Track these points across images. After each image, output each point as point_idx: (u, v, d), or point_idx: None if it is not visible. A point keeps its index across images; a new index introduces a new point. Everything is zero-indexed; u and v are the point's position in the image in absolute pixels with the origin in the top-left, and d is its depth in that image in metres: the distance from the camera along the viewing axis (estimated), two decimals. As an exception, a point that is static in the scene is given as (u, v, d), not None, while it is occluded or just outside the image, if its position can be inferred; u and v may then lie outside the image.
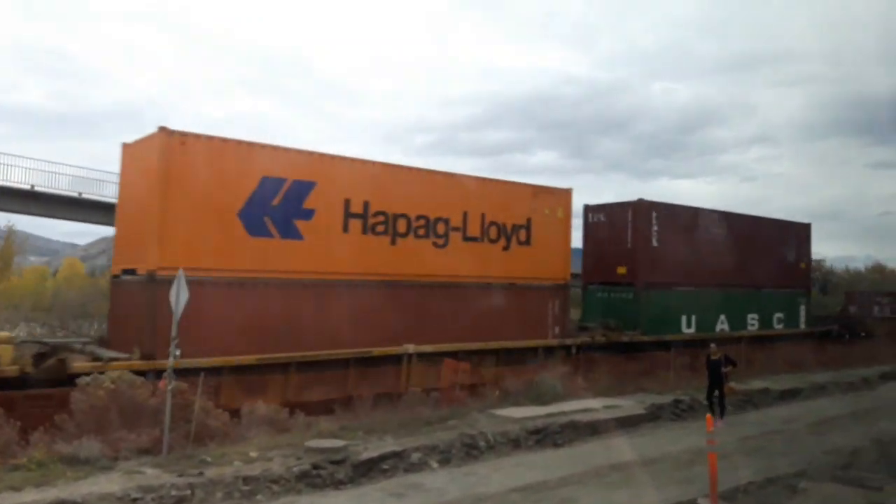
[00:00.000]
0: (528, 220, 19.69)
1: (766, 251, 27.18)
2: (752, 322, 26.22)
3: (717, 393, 15.16)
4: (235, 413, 12.29)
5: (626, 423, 14.32)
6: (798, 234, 29.66)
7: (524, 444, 12.36)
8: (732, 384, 16.01)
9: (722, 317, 25.06)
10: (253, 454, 10.48)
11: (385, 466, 10.53)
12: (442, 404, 14.47)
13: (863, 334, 31.40)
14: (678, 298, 23.53)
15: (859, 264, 67.12)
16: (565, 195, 20.93)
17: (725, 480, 10.05)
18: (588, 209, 24.20)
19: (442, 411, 13.61)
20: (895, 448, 12.87)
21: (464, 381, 14.92)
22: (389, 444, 11.21)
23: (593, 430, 13.60)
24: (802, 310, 29.09)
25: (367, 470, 10.40)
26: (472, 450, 11.71)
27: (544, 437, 12.74)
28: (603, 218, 23.64)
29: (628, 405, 15.47)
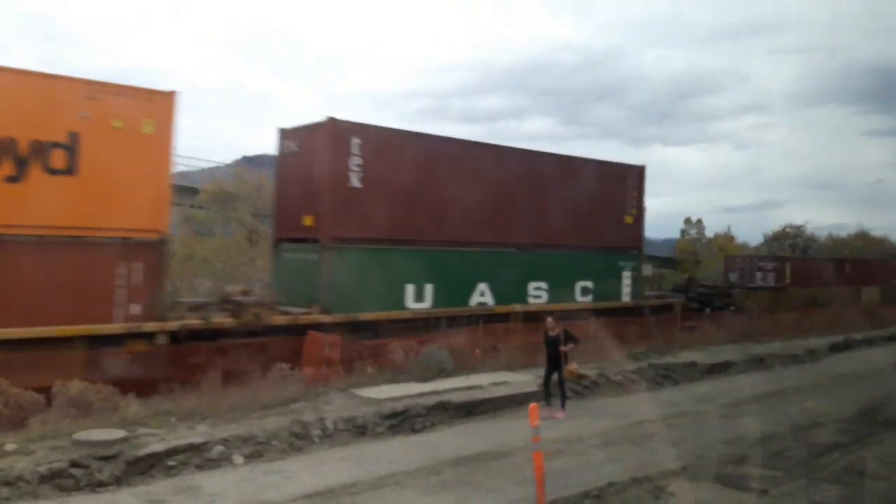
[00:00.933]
0: (74, 136, 11.97)
1: (569, 200, 19.77)
2: (537, 293, 19.00)
3: (556, 376, 12.49)
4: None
5: (514, 402, 12.50)
6: (623, 179, 21.57)
7: (373, 431, 10.45)
8: (574, 366, 12.99)
9: (483, 286, 17.80)
10: (10, 447, 8.53)
11: (172, 463, 8.58)
12: (309, 383, 12.55)
13: (731, 307, 27.30)
14: (397, 261, 16.28)
15: (851, 232, 66.15)
16: (159, 100, 12.94)
17: (579, 481, 8.21)
18: (282, 135, 16.72)
19: (295, 393, 11.69)
20: (813, 434, 11.11)
21: (332, 357, 12.96)
22: (193, 435, 9.27)
23: (468, 411, 11.74)
24: (627, 277, 21.48)
25: (149, 467, 8.45)
26: (299, 440, 9.79)
27: (402, 421, 10.83)
28: (295, 147, 16.48)
29: (523, 380, 13.63)
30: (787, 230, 71.79)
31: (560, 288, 19.30)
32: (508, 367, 14.81)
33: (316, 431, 10.06)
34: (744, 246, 69.93)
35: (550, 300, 18.97)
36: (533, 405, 7.40)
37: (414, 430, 10.74)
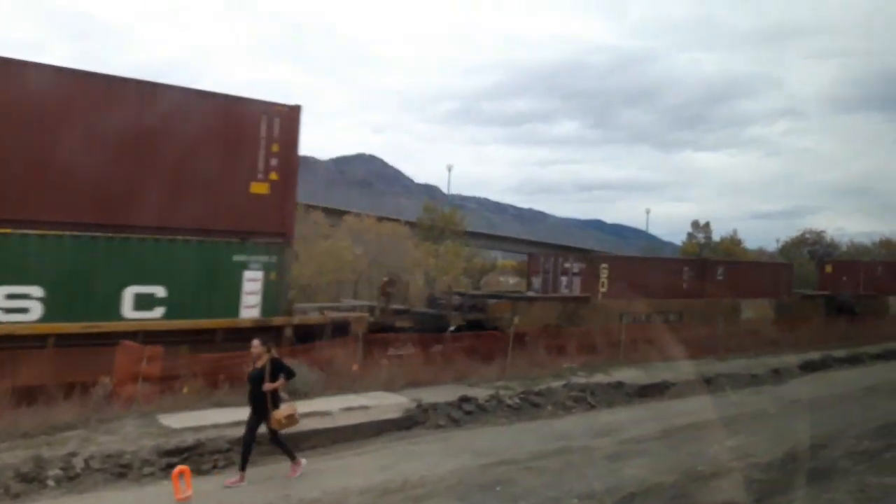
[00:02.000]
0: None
1: (144, 153, 12.64)
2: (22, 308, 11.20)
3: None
4: None
5: (371, 431, 10.32)
6: (253, 125, 13.66)
7: (138, 472, 8.30)
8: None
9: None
10: None
11: None
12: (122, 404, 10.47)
13: (494, 327, 17.53)
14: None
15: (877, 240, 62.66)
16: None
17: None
18: None
19: (75, 417, 9.62)
20: (708, 488, 8.73)
21: (151, 373, 10.85)
22: None
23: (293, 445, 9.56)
24: (253, 281, 13.34)
25: None
26: (24, 483, 7.70)
27: (186, 459, 8.67)
28: None
29: (397, 403, 11.39)
30: (807, 236, 68.50)
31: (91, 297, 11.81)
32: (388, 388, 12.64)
33: (54, 472, 7.95)
34: (760, 252, 66.82)
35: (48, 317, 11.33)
36: (178, 469, 5.18)
37: (199, 472, 8.58)
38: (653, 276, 23.68)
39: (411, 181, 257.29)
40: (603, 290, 21.68)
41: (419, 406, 11.33)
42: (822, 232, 66.69)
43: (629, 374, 15.54)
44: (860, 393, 15.53)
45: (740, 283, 25.36)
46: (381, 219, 33.91)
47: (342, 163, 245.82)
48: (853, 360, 20.08)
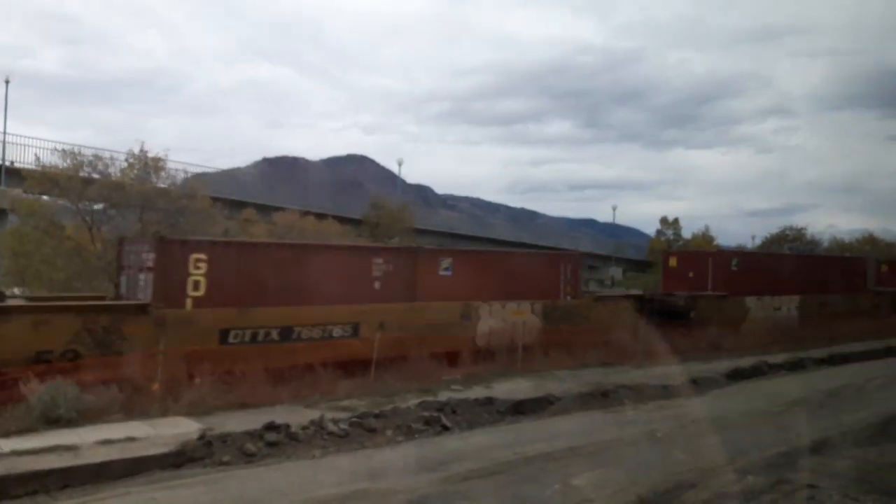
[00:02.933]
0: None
1: None
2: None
3: None
4: None
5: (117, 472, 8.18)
6: None
7: None
8: None
9: None
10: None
11: None
12: None
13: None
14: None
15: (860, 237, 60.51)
16: None
17: None
18: None
19: None
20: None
21: None
22: None
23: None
24: None
25: None
26: None
27: None
28: None
29: (172, 435, 9.25)
30: (787, 232, 66.19)
31: None
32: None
33: None
34: (742, 249, 64.62)
35: None
36: None
37: None
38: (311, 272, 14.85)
39: (403, 181, 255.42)
40: (197, 293, 13.48)
41: (202, 438, 9.19)
42: (802, 229, 64.63)
43: (513, 387, 13.43)
44: (781, 408, 13.37)
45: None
46: (306, 213, 32.00)
47: (333, 164, 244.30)
48: (794, 366, 17.95)
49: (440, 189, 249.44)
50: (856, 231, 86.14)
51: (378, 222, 35.65)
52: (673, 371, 16.12)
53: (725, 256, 26.63)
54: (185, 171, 31.25)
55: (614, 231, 77.81)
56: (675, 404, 13.49)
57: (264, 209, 33.89)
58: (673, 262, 27.15)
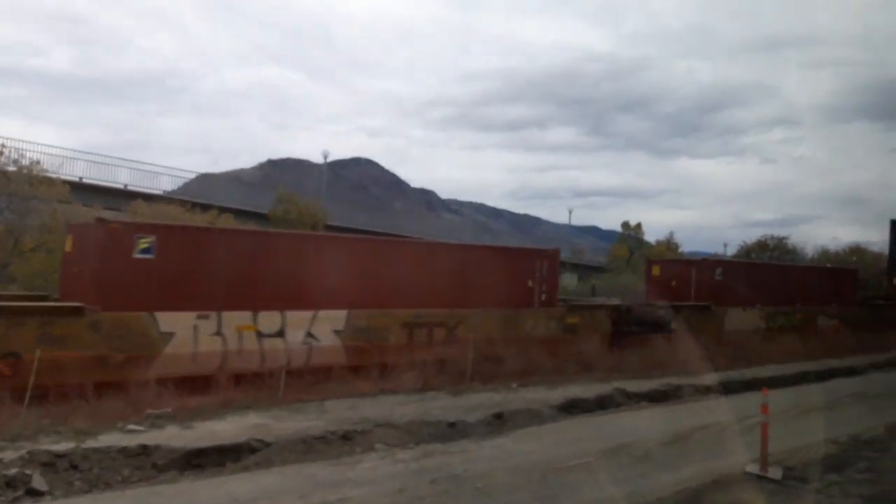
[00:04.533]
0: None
1: None
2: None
3: None
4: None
5: None
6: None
7: None
8: None
9: None
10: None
11: None
12: None
13: None
14: None
15: (875, 249, 57.14)
16: None
17: None
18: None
19: None
20: None
21: None
22: None
23: None
24: None
25: None
26: None
27: None
28: None
29: None
30: (768, 241, 62.47)
31: None
32: None
33: None
34: (719, 257, 60.81)
35: None
36: None
37: None
38: None
39: (408, 185, 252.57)
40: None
41: None
42: (783, 238, 60.92)
43: (219, 428, 10.02)
44: (596, 456, 9.91)
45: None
46: (194, 205, 28.84)
47: (338, 167, 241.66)
48: (661, 397, 14.45)
49: (444, 194, 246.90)
50: (860, 243, 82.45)
51: (285, 217, 32.44)
52: (494, 400, 12.77)
53: (709, 266, 24.51)
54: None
55: (615, 239, 74.02)
56: (448, 450, 10.08)
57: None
58: (656, 270, 25.60)
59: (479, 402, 12.60)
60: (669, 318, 20.50)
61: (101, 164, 35.25)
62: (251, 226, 31.08)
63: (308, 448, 9.49)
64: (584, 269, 53.44)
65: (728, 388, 15.64)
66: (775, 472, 9.28)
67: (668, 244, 51.10)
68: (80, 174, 33.75)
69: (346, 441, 9.85)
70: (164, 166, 38.34)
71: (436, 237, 43.47)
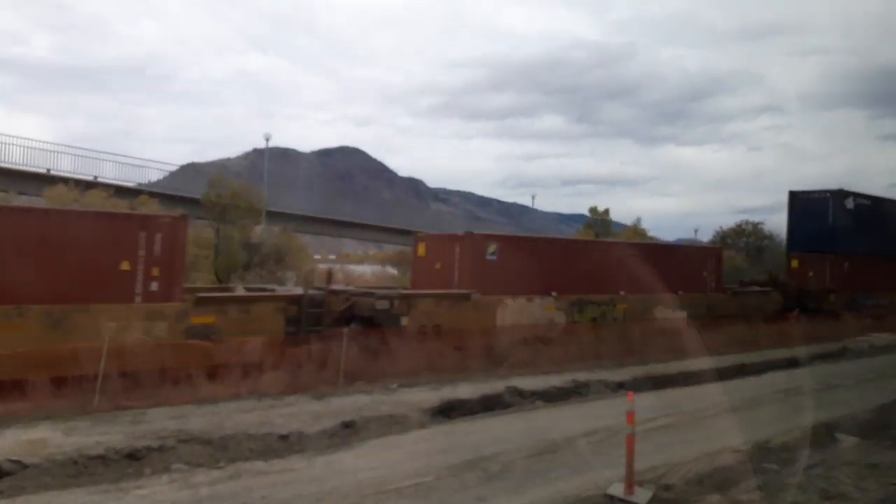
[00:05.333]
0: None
1: None
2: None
3: None
4: None
5: None
6: None
7: None
8: None
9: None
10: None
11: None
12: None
13: None
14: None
15: None
16: None
17: None
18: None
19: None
20: None
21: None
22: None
23: None
24: None
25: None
26: None
27: None
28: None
29: None
30: (744, 227, 61.08)
31: None
32: None
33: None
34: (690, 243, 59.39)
35: None
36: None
37: None
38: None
39: (395, 174, 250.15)
40: None
41: None
42: (759, 223, 59.54)
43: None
44: (440, 473, 8.28)
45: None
46: (119, 189, 27.15)
47: (325, 155, 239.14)
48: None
49: (433, 183, 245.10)
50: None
51: (217, 202, 30.61)
52: (359, 403, 11.14)
53: (479, 243, 18.54)
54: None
55: (603, 226, 72.58)
56: (266, 469, 8.45)
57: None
58: (422, 249, 19.61)
59: (340, 406, 10.98)
60: (396, 313, 15.64)
61: (84, 157, 33.61)
62: (179, 210, 29.33)
63: (79, 471, 7.83)
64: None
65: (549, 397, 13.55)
66: (642, 496, 7.71)
67: (636, 229, 49.60)
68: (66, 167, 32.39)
69: (133, 461, 8.20)
70: (138, 158, 36.17)
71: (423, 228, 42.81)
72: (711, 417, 11.96)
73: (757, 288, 27.18)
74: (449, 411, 11.15)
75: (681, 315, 20.89)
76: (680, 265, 23.05)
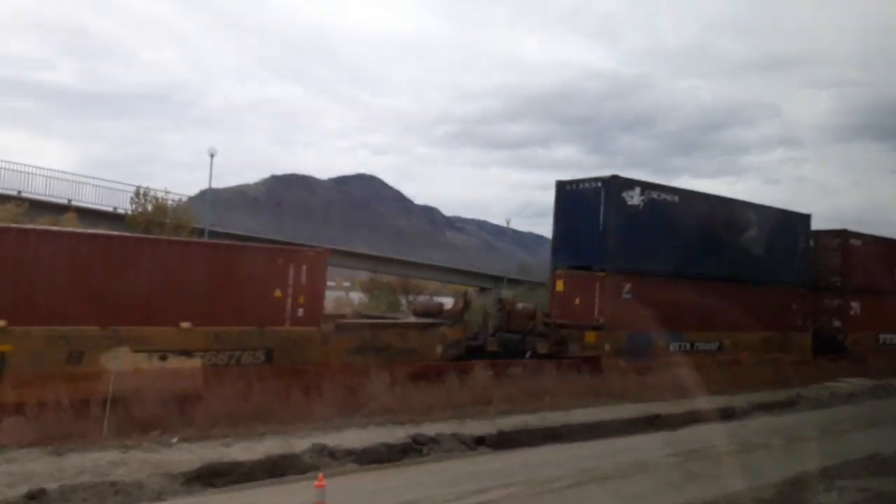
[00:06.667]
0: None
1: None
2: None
3: None
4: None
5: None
6: None
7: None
8: None
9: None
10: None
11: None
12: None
13: None
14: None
15: None
16: None
17: None
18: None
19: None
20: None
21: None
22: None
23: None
24: None
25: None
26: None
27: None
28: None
29: None
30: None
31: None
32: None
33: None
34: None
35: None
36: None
37: None
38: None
39: (411, 202, 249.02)
40: None
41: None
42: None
43: None
44: None
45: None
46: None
47: (342, 183, 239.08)
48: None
49: (448, 210, 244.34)
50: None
51: (144, 218, 28.54)
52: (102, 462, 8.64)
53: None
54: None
55: None
56: None
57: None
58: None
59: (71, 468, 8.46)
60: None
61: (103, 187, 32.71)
62: (102, 228, 27.44)
63: None
64: (529, 285, 49.34)
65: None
66: None
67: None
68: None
69: None
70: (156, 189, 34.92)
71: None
72: (569, 489, 9.29)
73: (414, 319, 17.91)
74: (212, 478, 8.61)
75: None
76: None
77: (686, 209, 20.37)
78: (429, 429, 11.25)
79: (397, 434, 10.74)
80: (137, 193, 30.43)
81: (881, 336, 26.39)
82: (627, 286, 18.94)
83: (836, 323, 25.24)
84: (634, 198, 19.03)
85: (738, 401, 15.79)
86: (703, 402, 14.79)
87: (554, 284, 20.29)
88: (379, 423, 11.42)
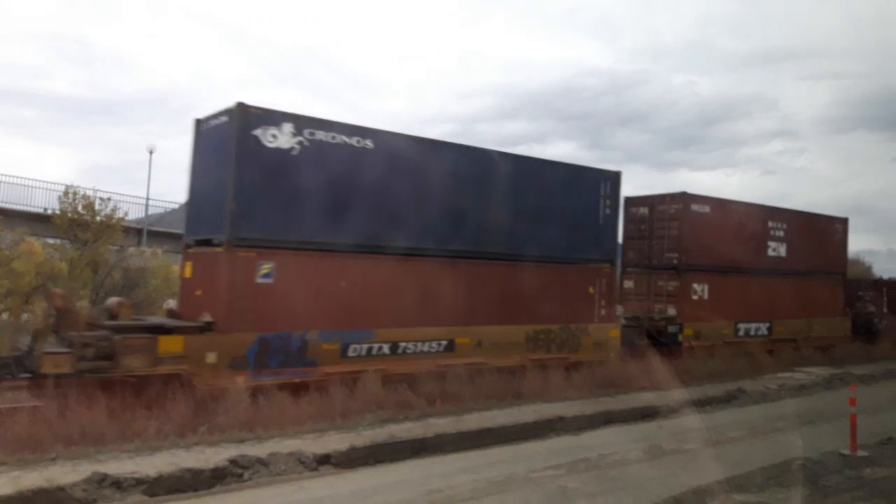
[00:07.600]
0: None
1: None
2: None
3: None
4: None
5: None
6: None
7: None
8: None
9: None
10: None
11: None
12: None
13: None
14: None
15: (880, 259, 52.12)
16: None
17: None
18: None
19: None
20: None
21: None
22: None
23: None
24: None
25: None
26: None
27: None
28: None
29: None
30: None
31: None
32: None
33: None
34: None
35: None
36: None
37: None
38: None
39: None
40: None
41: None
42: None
43: None
44: None
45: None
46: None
47: None
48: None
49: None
50: (867, 252, 77.40)
51: (72, 218, 26.78)
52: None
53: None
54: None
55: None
56: None
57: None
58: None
59: None
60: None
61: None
62: (22, 229, 25.72)
63: None
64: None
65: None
66: None
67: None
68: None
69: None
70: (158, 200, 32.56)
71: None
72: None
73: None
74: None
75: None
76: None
77: (388, 158, 13.53)
78: (268, 447, 9.45)
79: (215, 457, 8.92)
80: (66, 193, 28.51)
81: (740, 326, 20.49)
82: (266, 266, 12.23)
83: (671, 311, 19.22)
84: (280, 138, 12.28)
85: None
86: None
87: (183, 268, 13.91)
88: (210, 442, 9.61)
